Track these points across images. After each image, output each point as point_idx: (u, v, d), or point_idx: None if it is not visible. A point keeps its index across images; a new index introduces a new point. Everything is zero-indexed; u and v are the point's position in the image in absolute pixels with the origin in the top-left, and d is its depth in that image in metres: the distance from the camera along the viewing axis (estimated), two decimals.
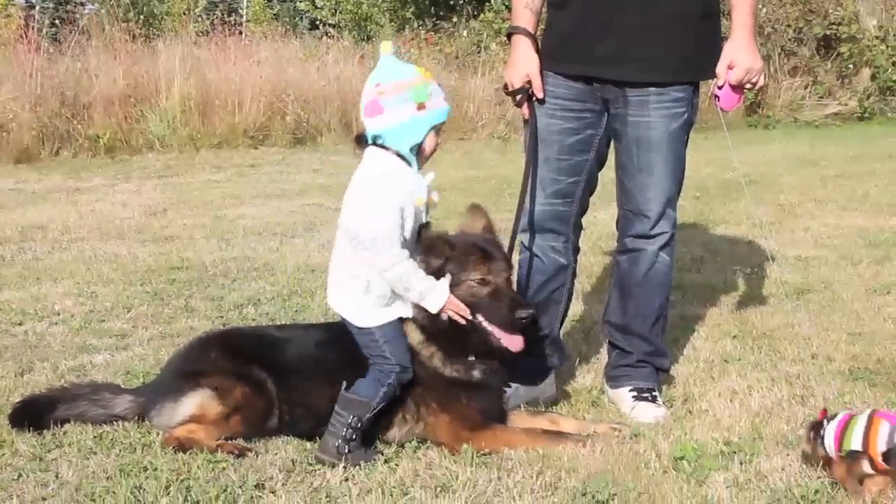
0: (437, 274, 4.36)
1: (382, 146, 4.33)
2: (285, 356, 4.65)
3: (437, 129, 4.39)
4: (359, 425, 4.28)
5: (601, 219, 8.81)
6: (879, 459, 3.92)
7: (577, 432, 4.58)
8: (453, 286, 4.35)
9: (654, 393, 5.13)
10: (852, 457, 3.97)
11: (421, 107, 4.31)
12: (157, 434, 4.54)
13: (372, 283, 4.36)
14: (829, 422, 4.06)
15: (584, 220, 5.28)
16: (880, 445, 3.93)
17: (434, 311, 4.36)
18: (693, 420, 4.84)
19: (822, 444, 4.06)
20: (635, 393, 5.11)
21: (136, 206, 11.78)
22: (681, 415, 4.96)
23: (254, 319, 6.86)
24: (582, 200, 5.14)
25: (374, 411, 4.34)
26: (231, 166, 15.75)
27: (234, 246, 9.46)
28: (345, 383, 4.33)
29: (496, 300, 4.38)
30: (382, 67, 4.35)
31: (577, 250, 5.27)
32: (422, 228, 4.38)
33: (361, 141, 4.37)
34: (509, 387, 4.89)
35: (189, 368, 4.63)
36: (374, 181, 4.27)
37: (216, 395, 4.48)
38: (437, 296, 4.32)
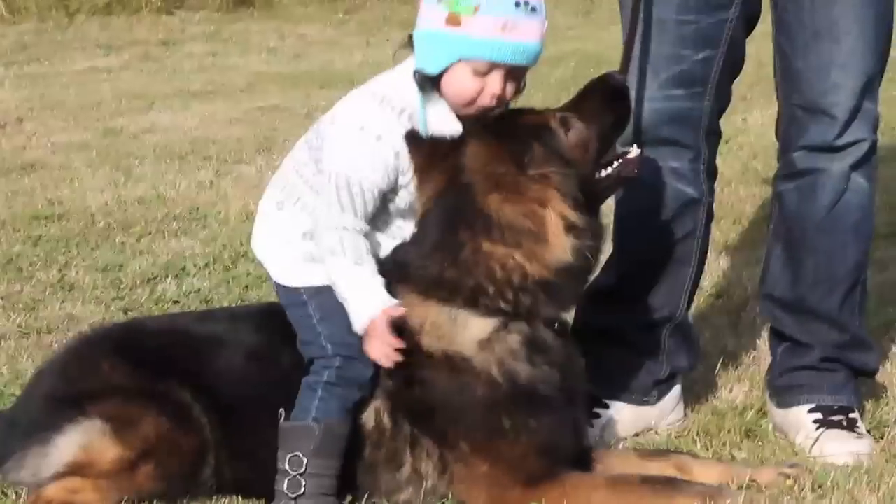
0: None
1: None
2: (224, 366, 3.93)
3: (501, 72, 3.56)
4: (303, 469, 3.64)
5: (754, 122, 8.21)
6: None
7: (717, 482, 3.83)
8: None
9: (851, 414, 4.29)
10: None
11: (453, 20, 3.56)
12: (17, 495, 3.76)
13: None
14: None
15: (723, 124, 4.48)
16: None
17: (357, 331, 3.69)
18: None
19: None
20: (820, 414, 4.28)
21: None
22: None
23: (175, 302, 5.54)
24: (720, 90, 4.32)
25: (333, 436, 3.64)
26: (128, 45, 13.33)
27: (138, 180, 7.65)
28: (282, 411, 3.75)
29: None
30: None
31: (713, 174, 4.47)
32: None
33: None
34: (606, 407, 4.24)
35: (68, 389, 3.91)
36: (368, 108, 3.62)
37: (113, 431, 3.79)
38: (361, 310, 3.64)
